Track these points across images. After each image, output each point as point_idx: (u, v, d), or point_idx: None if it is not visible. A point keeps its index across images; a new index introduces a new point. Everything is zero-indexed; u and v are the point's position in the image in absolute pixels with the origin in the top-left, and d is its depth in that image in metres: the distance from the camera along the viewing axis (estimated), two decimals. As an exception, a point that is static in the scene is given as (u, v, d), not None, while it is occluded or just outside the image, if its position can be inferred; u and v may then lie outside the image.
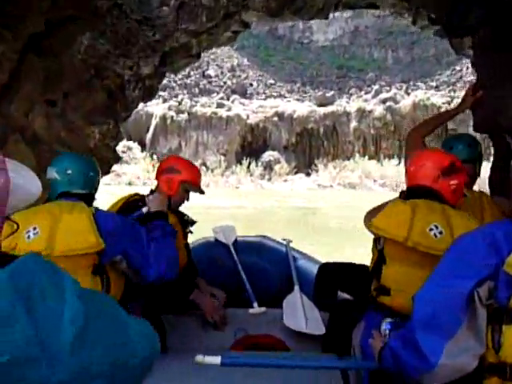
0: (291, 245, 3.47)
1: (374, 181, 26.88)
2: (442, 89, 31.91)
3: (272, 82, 37.18)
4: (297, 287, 2.78)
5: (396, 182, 24.63)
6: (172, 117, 31.18)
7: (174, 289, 2.32)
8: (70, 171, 2.01)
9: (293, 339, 2.38)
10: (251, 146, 31.09)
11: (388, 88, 33.06)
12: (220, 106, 32.49)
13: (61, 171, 2.02)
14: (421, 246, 1.72)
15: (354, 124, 30.18)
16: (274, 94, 35.73)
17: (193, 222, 2.62)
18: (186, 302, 2.40)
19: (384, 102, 30.50)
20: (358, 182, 26.72)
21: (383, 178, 26.68)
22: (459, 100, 2.82)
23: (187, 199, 2.54)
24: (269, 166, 29.29)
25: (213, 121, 31.30)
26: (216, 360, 1.49)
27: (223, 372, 1.67)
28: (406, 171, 1.99)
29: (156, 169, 2.61)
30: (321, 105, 32.17)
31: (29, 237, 1.82)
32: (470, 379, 1.11)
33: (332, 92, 34.18)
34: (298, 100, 34.09)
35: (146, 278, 2.00)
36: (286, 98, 34.88)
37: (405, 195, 1.97)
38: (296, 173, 29.04)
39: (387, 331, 1.46)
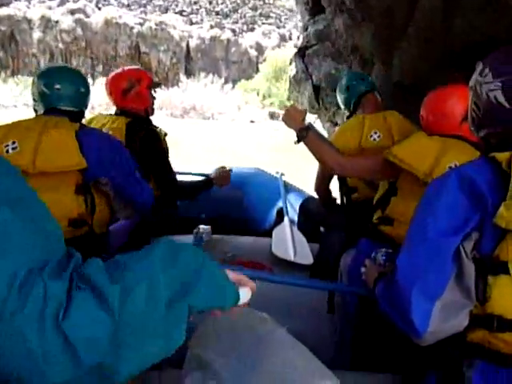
0: (283, 178, 3.59)
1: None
2: (134, 9, 31.12)
3: None
4: (286, 218, 2.80)
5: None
6: None
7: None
8: (58, 86, 1.90)
9: (281, 268, 2.38)
10: None
11: (76, -2, 29.81)
12: None
13: (49, 85, 1.90)
14: None
15: (38, 34, 26.07)
16: None
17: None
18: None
19: (72, 13, 27.41)
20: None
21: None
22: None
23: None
24: None
25: None
26: None
27: None
28: (422, 118, 1.83)
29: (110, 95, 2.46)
30: (-8, 5, 26.16)
31: (7, 151, 1.73)
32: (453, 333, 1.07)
33: (6, -9, 28.18)
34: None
35: (141, 204, 2.05)
36: None
37: None
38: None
39: (382, 262, 1.38)
